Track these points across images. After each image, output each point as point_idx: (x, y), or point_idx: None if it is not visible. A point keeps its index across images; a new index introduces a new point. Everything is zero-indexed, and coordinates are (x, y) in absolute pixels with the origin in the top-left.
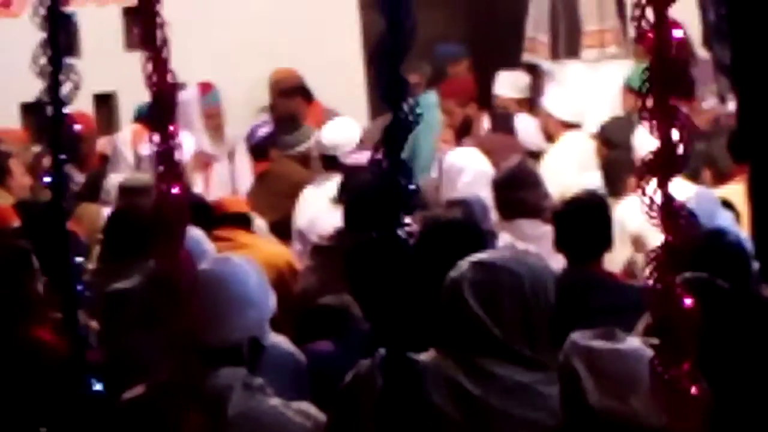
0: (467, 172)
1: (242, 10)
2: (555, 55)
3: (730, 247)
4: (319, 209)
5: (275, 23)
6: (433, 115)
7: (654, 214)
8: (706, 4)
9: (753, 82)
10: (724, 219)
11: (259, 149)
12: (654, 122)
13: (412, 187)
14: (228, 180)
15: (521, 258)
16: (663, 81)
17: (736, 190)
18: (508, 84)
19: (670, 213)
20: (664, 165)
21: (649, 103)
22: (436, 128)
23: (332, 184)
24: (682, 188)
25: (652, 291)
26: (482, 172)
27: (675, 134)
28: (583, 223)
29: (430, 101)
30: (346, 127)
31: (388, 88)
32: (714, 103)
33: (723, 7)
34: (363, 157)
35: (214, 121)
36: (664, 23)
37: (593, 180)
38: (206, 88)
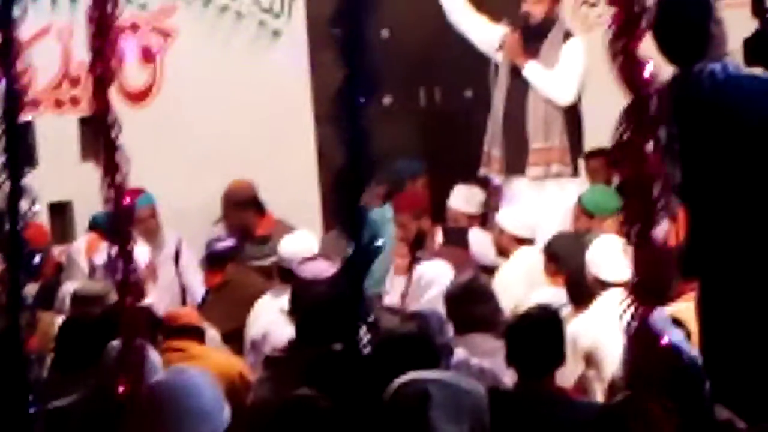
0: (436, 285)
1: (199, 124)
2: (506, 170)
3: (684, 367)
4: (272, 320)
5: (232, 137)
6: (388, 229)
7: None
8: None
9: (702, 200)
10: (676, 337)
11: (217, 259)
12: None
13: (366, 301)
14: (172, 285)
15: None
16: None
17: (687, 308)
18: (462, 198)
19: (647, 341)
20: (645, 294)
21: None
22: (390, 242)
23: (288, 295)
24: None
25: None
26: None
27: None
28: (535, 338)
29: (385, 215)
30: (304, 241)
31: (347, 221)
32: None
33: (673, 126)
34: (317, 269)
35: (147, 224)
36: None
37: (546, 295)
38: (135, 193)
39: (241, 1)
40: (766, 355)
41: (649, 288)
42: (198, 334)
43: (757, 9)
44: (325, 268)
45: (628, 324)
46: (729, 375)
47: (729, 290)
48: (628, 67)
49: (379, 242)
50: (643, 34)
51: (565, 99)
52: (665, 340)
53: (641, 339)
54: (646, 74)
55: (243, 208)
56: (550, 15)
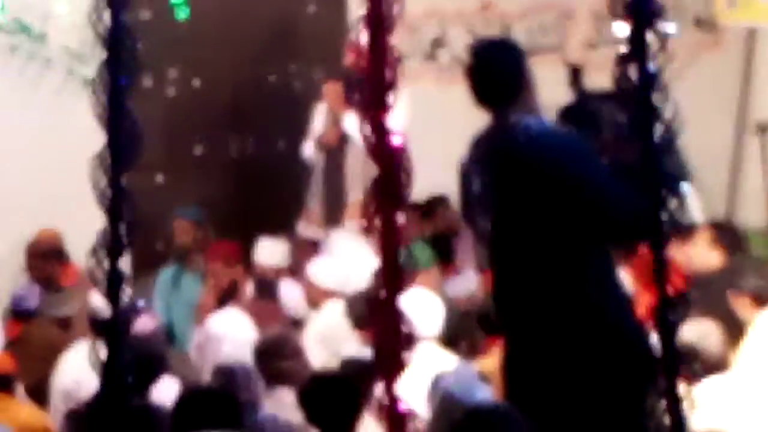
0: (227, 341)
1: (4, 172)
2: (325, 223)
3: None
4: (83, 373)
5: (38, 185)
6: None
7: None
8: (469, 174)
9: (507, 252)
10: (484, 393)
11: (20, 314)
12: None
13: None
14: None
15: None
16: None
17: (493, 363)
18: (267, 252)
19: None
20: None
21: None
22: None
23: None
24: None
25: None
26: (245, 340)
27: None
28: (332, 399)
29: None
30: None
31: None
32: (473, 275)
33: (486, 176)
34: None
35: None
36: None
37: (352, 350)
38: None
39: (49, 47)
40: (569, 408)
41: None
42: (6, 385)
43: (574, 81)
44: (145, 324)
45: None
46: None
47: (530, 346)
48: (377, 139)
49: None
50: (390, 108)
51: None
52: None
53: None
54: (394, 145)
55: (46, 258)
56: None
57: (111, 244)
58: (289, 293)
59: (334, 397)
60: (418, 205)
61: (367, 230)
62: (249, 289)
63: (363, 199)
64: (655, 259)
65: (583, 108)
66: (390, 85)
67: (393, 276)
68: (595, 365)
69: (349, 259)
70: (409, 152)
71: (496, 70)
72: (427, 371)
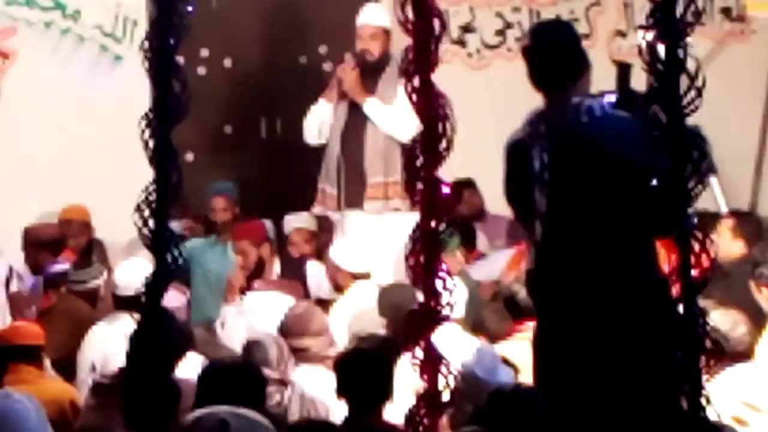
0: (256, 318)
1: (37, 146)
2: (343, 205)
3: (520, 405)
4: (111, 347)
5: (70, 160)
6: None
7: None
8: (521, 152)
9: (561, 228)
10: (506, 375)
11: (51, 282)
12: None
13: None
14: (2, 312)
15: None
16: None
17: (515, 346)
18: (296, 223)
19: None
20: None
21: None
22: (221, 272)
23: (124, 322)
24: (464, 342)
25: None
26: (274, 318)
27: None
28: (364, 372)
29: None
30: (138, 269)
31: (153, 238)
32: (497, 260)
33: (545, 154)
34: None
35: None
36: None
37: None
38: None
39: (82, 24)
40: (599, 390)
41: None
42: (35, 357)
43: (621, 80)
44: (173, 298)
45: None
46: (563, 409)
47: (573, 325)
48: (423, 97)
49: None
50: (436, 65)
51: (407, 134)
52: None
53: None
54: (440, 106)
55: (74, 232)
56: (386, 51)
57: (158, 201)
58: (315, 273)
59: (366, 373)
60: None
61: (408, 191)
62: (276, 268)
63: (404, 162)
64: (681, 240)
65: (630, 103)
66: (437, 39)
67: (433, 238)
68: (643, 350)
69: (371, 241)
70: (451, 115)
71: (560, 51)
72: (449, 354)
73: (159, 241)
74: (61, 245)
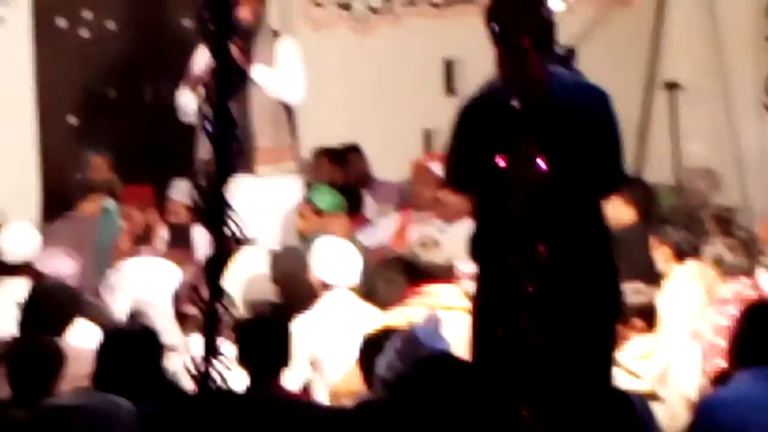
0: (142, 284)
1: None
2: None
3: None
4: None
5: None
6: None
7: None
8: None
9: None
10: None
11: None
12: None
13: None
14: None
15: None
16: None
17: (408, 313)
18: (182, 191)
19: None
20: None
21: None
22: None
23: (11, 287)
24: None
25: None
26: (161, 284)
27: None
28: (264, 340)
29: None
30: (24, 234)
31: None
32: (385, 226)
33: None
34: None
35: None
36: None
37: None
38: None
39: None
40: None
41: None
42: None
43: None
44: (63, 265)
45: None
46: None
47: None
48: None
49: None
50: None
51: (297, 97)
52: None
53: None
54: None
55: None
56: (257, 16)
57: (218, 174)
58: (202, 239)
59: (265, 339)
60: (330, 151)
61: None
62: (164, 235)
63: None
64: None
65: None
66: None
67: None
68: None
69: (257, 205)
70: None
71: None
72: (343, 320)
73: (217, 216)
74: None
